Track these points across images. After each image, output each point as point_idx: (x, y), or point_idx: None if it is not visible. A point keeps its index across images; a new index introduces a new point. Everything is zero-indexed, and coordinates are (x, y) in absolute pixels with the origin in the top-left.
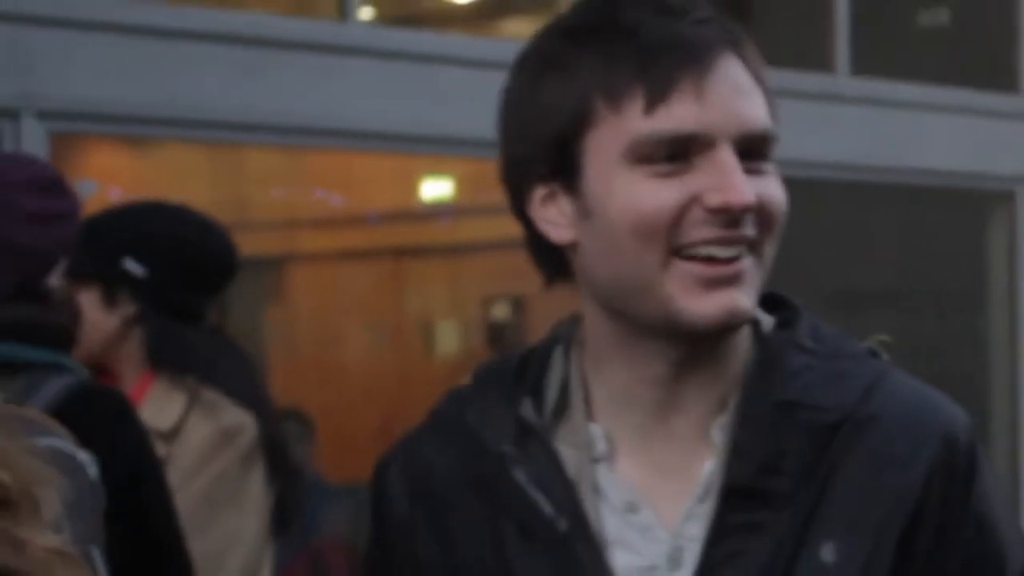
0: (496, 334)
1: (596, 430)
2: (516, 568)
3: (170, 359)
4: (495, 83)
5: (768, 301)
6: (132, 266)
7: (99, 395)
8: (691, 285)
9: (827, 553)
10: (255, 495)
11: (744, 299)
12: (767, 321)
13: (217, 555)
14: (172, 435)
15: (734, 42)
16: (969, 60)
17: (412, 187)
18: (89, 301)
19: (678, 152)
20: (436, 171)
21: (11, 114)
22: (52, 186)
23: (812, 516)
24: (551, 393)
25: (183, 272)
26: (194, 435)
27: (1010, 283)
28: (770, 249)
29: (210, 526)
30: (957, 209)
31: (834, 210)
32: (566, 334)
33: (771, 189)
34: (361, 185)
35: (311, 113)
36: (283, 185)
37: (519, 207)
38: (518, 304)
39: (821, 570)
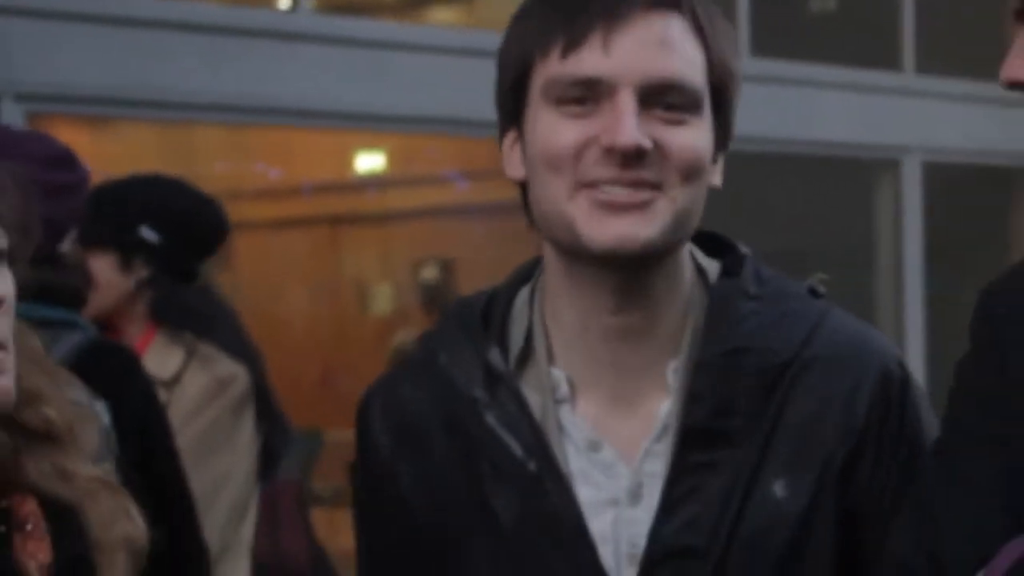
0: (427, 294)
1: (558, 374)
2: (492, 503)
3: (171, 316)
4: (425, 65)
5: (713, 243)
6: (148, 234)
7: (109, 350)
8: (591, 211)
9: (779, 489)
10: (245, 439)
11: (643, 229)
12: (713, 268)
13: (210, 493)
14: (172, 383)
15: (675, 4)
16: (856, 41)
17: (346, 160)
18: (105, 265)
19: (587, 96)
20: (368, 146)
21: None
22: (64, 161)
23: (764, 454)
24: (516, 341)
25: (188, 238)
26: (192, 384)
27: (895, 245)
28: (682, 193)
29: (204, 467)
30: (848, 177)
31: (737, 180)
32: (529, 277)
33: (681, 137)
34: (299, 159)
35: (265, 93)
36: (227, 160)
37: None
38: (446, 266)
39: (773, 504)
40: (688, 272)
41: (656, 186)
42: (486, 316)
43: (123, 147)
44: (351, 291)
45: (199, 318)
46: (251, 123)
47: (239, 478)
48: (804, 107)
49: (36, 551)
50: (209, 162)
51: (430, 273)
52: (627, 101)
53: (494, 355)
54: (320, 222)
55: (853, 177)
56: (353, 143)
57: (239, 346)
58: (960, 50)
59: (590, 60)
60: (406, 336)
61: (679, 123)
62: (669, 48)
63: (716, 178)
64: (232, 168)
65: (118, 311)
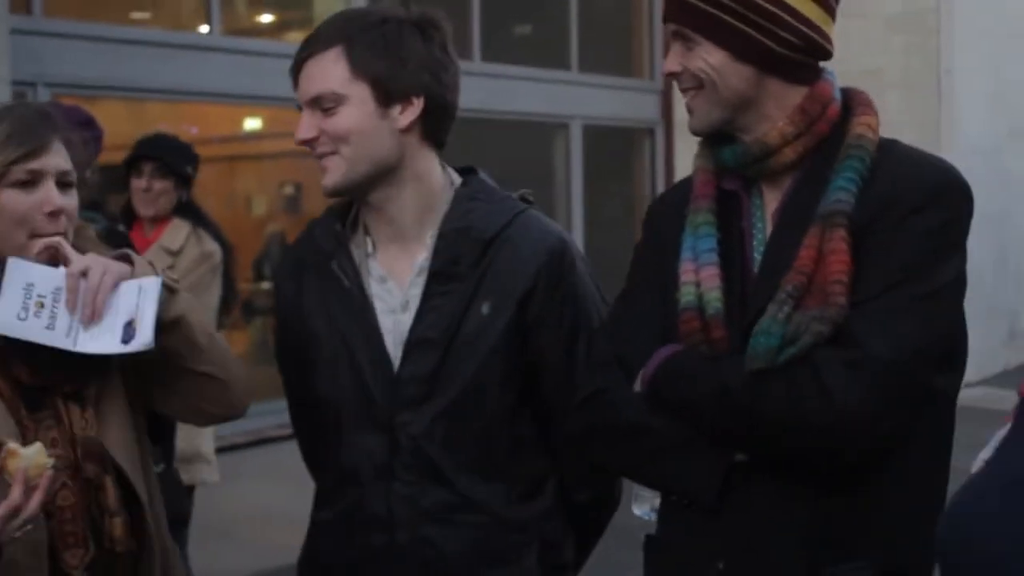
0: (286, 203)
1: (369, 240)
2: (333, 311)
3: (184, 212)
4: (284, 66)
5: (466, 170)
6: (190, 171)
7: (116, 234)
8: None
9: (485, 308)
10: (215, 290)
11: (328, 177)
12: (458, 180)
13: None
14: (178, 253)
15: (329, 43)
16: (544, 50)
17: (239, 123)
18: (168, 186)
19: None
20: (252, 114)
21: None
22: (90, 123)
23: (477, 288)
24: (350, 221)
25: (196, 171)
26: (188, 254)
27: (566, 180)
28: (347, 150)
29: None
30: (535, 136)
31: (464, 139)
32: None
33: (337, 123)
34: (211, 122)
35: (193, 83)
36: (166, 122)
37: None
38: (297, 187)
39: (481, 317)
40: (439, 185)
41: (325, 153)
42: (339, 211)
43: (104, 114)
44: (242, 201)
45: (197, 215)
46: (183, 100)
47: (212, 314)
48: (507, 92)
49: None
50: (155, 125)
51: (288, 191)
52: (306, 111)
53: (339, 227)
54: (223, 160)
55: (539, 136)
56: (243, 112)
57: (216, 234)
58: (605, 59)
59: (300, 88)
60: (273, 227)
61: (332, 114)
62: (319, 75)
63: (400, 123)
64: (170, 128)
65: (164, 212)
